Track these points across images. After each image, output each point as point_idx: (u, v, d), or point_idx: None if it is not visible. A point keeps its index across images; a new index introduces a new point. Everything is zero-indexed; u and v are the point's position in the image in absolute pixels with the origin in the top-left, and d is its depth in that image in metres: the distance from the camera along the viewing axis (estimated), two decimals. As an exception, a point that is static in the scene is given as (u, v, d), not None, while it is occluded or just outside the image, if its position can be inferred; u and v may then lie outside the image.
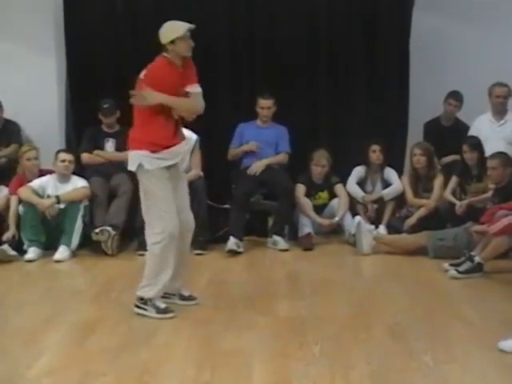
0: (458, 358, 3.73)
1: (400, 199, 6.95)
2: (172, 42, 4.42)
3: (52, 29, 7.49)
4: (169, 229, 4.48)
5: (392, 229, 6.77)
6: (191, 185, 6.53)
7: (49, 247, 6.38)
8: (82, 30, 7.42)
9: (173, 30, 4.45)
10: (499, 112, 6.75)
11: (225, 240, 6.40)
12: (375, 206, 7.03)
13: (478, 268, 5.39)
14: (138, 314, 4.53)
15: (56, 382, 3.52)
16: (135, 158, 4.56)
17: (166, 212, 4.50)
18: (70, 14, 7.39)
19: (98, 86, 7.28)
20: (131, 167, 4.63)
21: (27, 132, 7.51)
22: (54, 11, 7.45)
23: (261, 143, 6.92)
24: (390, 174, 7.08)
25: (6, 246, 6.24)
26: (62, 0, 7.37)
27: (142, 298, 4.59)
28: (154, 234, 4.55)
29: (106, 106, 6.83)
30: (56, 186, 6.55)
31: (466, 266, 5.41)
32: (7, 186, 6.70)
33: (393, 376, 3.49)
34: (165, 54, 4.51)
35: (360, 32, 7.46)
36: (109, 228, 6.36)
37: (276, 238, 6.64)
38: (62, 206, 6.43)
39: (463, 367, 3.61)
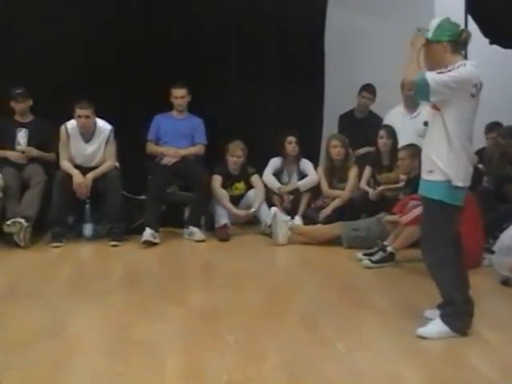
0: (368, 345, 3.75)
1: (315, 190, 6.98)
2: None
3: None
4: None
5: (307, 219, 6.79)
6: (106, 175, 6.47)
7: None
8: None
9: None
10: (411, 105, 6.84)
11: (140, 231, 6.27)
12: (291, 196, 7.04)
13: (390, 257, 5.45)
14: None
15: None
16: None
17: None
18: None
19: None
20: None
21: None
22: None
23: (177, 134, 6.85)
24: (306, 165, 7.10)
25: None
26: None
27: None
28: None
29: (18, 91, 6.58)
30: None
31: (379, 255, 5.46)
32: None
33: (305, 364, 3.46)
34: None
35: (274, 25, 7.48)
36: (21, 220, 6.14)
37: (192, 228, 6.56)
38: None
39: (374, 353, 3.63)
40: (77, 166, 6.46)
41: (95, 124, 6.49)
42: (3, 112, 6.66)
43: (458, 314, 3.86)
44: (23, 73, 6.77)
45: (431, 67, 3.84)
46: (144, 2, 7.32)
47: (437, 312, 3.93)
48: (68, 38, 6.99)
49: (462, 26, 4.08)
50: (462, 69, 3.75)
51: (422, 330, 3.86)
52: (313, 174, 7.01)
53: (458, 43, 3.88)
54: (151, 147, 6.92)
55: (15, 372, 3.38)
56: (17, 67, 6.83)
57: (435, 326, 3.86)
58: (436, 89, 3.67)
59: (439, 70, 3.74)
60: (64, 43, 6.97)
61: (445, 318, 3.85)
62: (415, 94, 3.89)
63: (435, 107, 3.81)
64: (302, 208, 6.90)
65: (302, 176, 7.07)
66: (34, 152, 6.59)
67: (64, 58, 6.94)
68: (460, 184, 3.75)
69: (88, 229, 6.45)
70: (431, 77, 3.69)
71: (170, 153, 6.76)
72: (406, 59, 3.86)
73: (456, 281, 3.86)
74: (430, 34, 3.87)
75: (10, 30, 6.96)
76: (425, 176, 3.87)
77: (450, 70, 3.73)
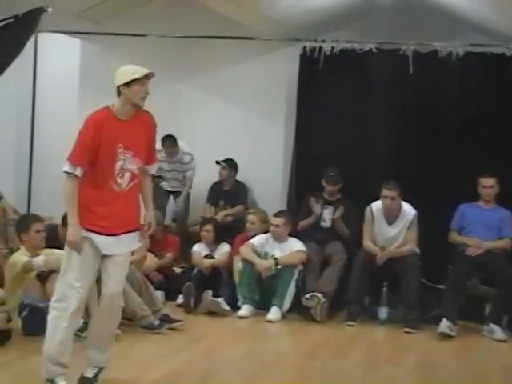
0: None
1: None
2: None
3: (283, 99, 7.76)
4: None
5: None
6: (406, 260, 6.35)
7: (261, 306, 6.42)
8: (313, 105, 7.59)
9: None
10: None
11: (436, 321, 5.99)
12: None
13: None
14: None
15: None
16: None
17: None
18: (303, 88, 7.61)
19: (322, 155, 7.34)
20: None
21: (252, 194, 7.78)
22: (286, 83, 7.74)
23: (482, 225, 6.49)
24: None
25: (221, 300, 6.35)
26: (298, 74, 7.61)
27: None
28: None
29: (332, 174, 6.81)
30: (273, 245, 6.62)
31: None
32: (230, 243, 6.90)
33: None
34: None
35: None
36: (319, 295, 6.27)
37: (493, 326, 6.11)
38: (278, 267, 6.44)
39: None
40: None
41: (400, 207, 6.44)
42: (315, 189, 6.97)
43: None
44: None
45: None
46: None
47: None
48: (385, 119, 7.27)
49: None
50: None
51: None
52: None
53: None
54: (454, 236, 6.66)
55: None
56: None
57: None
58: None
59: None
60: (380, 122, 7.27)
61: None
62: None
63: None
64: None
65: None
66: None
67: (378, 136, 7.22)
68: None
69: (383, 312, 6.35)
70: None
71: (473, 243, 6.44)
72: None
73: None
74: None
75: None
76: None
77: None
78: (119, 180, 3.83)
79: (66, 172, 3.75)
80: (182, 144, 7.71)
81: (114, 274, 3.91)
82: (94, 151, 3.73)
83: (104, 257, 3.87)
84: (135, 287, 5.62)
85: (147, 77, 3.82)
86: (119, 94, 3.82)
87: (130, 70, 3.81)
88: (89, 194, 3.81)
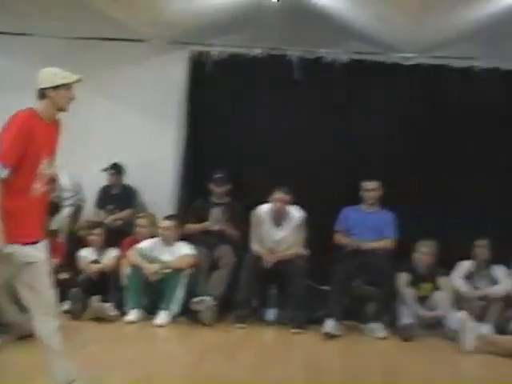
0: None
1: (509, 299, 6.50)
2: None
3: (174, 102, 7.78)
4: None
5: (498, 329, 6.31)
6: (293, 262, 6.46)
7: (149, 311, 6.40)
8: (202, 108, 7.65)
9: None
10: None
11: (323, 321, 6.15)
12: (481, 303, 6.60)
13: None
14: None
15: None
16: None
17: None
18: (192, 91, 7.71)
19: (212, 156, 7.40)
20: None
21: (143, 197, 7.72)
22: (177, 87, 7.76)
23: (365, 228, 6.72)
24: (499, 271, 6.69)
25: (109, 305, 6.29)
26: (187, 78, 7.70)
27: None
28: None
29: (219, 175, 6.86)
30: (162, 249, 6.61)
31: None
32: (118, 247, 6.85)
33: None
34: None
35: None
36: (208, 298, 6.31)
37: (374, 325, 6.37)
38: (166, 271, 6.43)
39: None
40: (265, 251, 6.58)
41: (288, 209, 6.55)
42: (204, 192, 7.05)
43: None
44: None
45: None
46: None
47: None
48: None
49: None
50: None
51: None
52: (506, 281, 6.58)
53: None
54: (338, 237, 6.84)
55: None
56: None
57: None
58: None
59: None
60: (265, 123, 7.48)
61: None
62: None
63: None
64: (492, 316, 6.43)
65: (494, 282, 6.66)
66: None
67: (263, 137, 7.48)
68: None
69: (271, 313, 6.49)
70: None
71: (353, 244, 6.64)
72: None
73: None
74: None
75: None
76: None
77: None
78: (37, 185, 3.66)
79: None
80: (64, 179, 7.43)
81: None
82: (23, 151, 3.51)
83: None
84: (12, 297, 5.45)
85: (76, 82, 3.72)
86: (43, 96, 3.66)
87: (59, 74, 3.68)
88: (10, 201, 3.55)
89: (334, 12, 7.21)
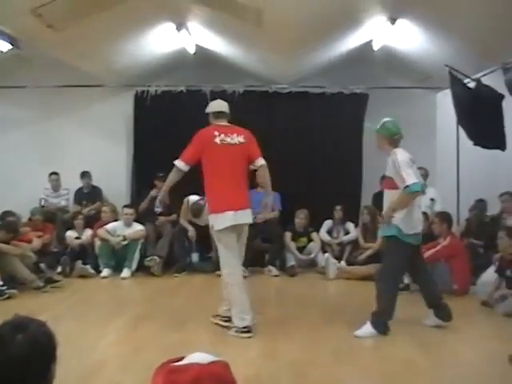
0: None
1: (355, 243, 6.88)
2: None
3: (124, 129, 7.80)
4: (231, 269, 4.03)
5: (350, 263, 6.65)
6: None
7: (116, 269, 6.41)
8: (145, 131, 7.63)
9: None
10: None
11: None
12: (338, 247, 6.97)
13: (406, 287, 5.36)
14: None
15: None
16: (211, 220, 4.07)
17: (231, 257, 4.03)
18: (137, 120, 7.67)
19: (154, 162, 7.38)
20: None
21: (106, 193, 7.74)
22: (126, 117, 7.77)
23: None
24: (349, 226, 7.05)
25: (88, 266, 6.30)
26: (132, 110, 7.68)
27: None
28: (223, 272, 4.12)
29: (161, 174, 6.94)
30: (123, 229, 6.62)
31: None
32: (92, 228, 6.82)
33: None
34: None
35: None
36: (156, 257, 6.40)
37: (270, 267, 6.63)
38: (126, 242, 6.49)
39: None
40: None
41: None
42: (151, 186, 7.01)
43: None
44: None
45: (380, 148, 3.95)
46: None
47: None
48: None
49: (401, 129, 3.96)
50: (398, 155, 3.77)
51: (358, 332, 3.90)
52: (354, 232, 6.96)
53: (393, 140, 3.87)
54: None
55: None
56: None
57: None
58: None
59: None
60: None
61: None
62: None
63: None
64: (346, 255, 6.80)
65: (346, 233, 7.02)
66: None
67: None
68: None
69: (195, 256, 6.63)
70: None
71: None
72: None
73: None
74: (378, 127, 3.94)
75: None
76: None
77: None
78: None
79: None
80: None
81: None
82: None
83: None
84: (25, 263, 5.51)
85: None
86: None
87: None
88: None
89: (231, 58, 7.34)
